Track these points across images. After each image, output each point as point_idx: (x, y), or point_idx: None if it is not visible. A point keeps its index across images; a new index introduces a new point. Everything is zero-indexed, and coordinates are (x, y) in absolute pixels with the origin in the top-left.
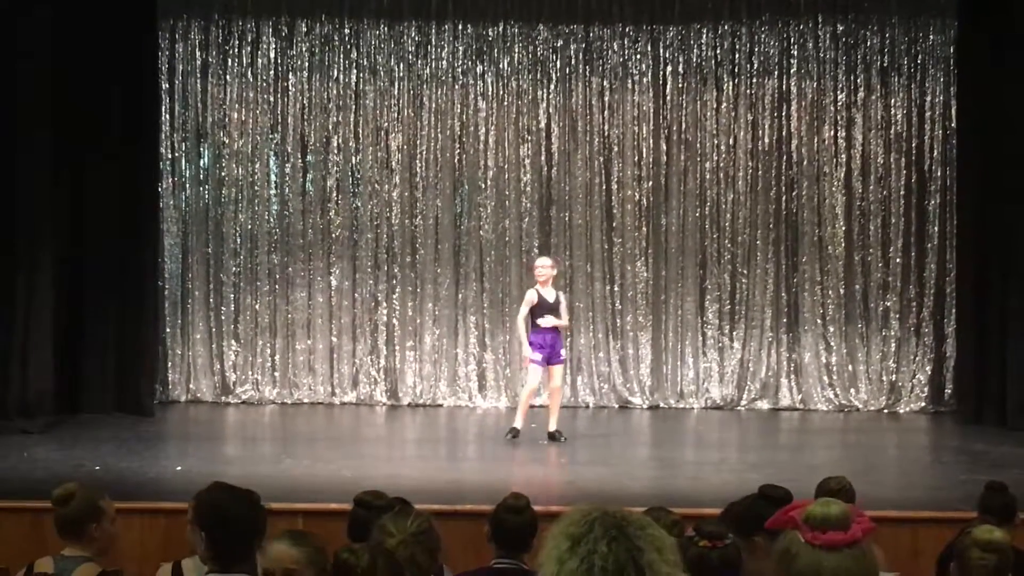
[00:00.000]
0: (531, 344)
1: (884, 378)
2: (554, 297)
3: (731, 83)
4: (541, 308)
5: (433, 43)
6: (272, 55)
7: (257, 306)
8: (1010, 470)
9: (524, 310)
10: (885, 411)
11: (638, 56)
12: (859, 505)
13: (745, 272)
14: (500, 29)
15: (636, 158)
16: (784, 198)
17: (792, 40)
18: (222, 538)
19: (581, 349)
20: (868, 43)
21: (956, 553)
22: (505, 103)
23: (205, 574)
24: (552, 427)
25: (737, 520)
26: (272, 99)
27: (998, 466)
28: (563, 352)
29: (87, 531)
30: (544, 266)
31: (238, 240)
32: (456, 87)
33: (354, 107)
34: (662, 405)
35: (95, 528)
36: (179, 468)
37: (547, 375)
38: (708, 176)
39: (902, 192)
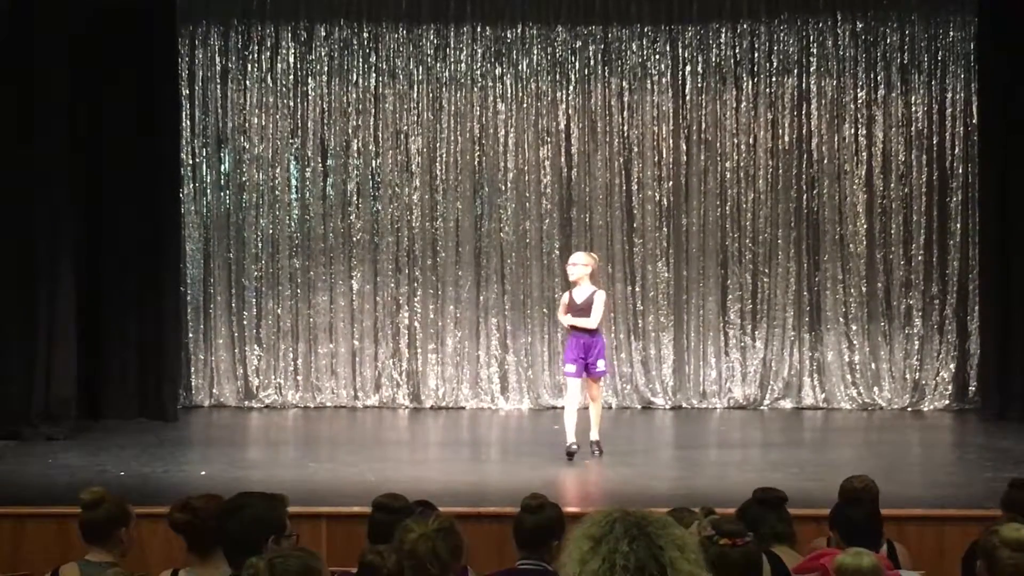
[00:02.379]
0: (565, 354)
1: (907, 376)
2: (585, 297)
3: (750, 82)
4: (571, 311)
5: (452, 46)
6: (291, 60)
7: (279, 310)
8: None
9: (559, 314)
10: (909, 409)
11: (657, 56)
12: (883, 503)
13: (767, 271)
14: (519, 31)
15: (656, 158)
16: (805, 197)
17: (811, 38)
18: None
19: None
20: (888, 40)
21: (983, 552)
22: (524, 105)
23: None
24: (594, 435)
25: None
26: (292, 104)
27: (1023, 463)
28: (601, 363)
29: (115, 535)
30: (575, 263)
31: (259, 245)
32: (475, 89)
33: (374, 111)
34: (684, 405)
35: (124, 532)
36: (203, 473)
37: (587, 385)
38: (728, 176)
39: (923, 189)
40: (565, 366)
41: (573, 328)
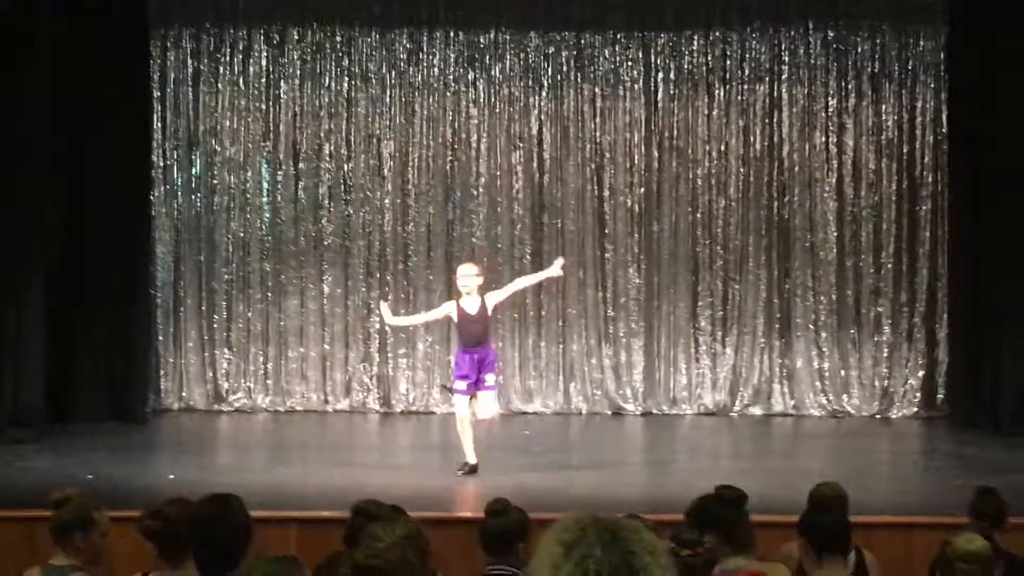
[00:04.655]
0: (456, 370)
1: (876, 383)
2: (478, 307)
3: (722, 89)
4: (464, 326)
5: (425, 50)
6: (264, 63)
7: (249, 314)
8: (1003, 475)
9: (428, 317)
10: (877, 416)
11: (629, 63)
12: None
13: (737, 278)
14: (492, 36)
15: (628, 164)
16: (776, 204)
17: (783, 46)
18: (213, 548)
19: (574, 356)
20: (859, 49)
21: (939, 564)
22: (497, 110)
23: None
24: (469, 457)
25: (691, 518)
26: (264, 107)
27: (990, 471)
28: (491, 378)
29: (73, 540)
30: (466, 275)
31: (230, 248)
32: (448, 94)
33: (346, 114)
34: (655, 411)
35: (81, 537)
36: (172, 476)
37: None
38: (700, 182)
39: (893, 198)
40: (456, 383)
41: (466, 345)
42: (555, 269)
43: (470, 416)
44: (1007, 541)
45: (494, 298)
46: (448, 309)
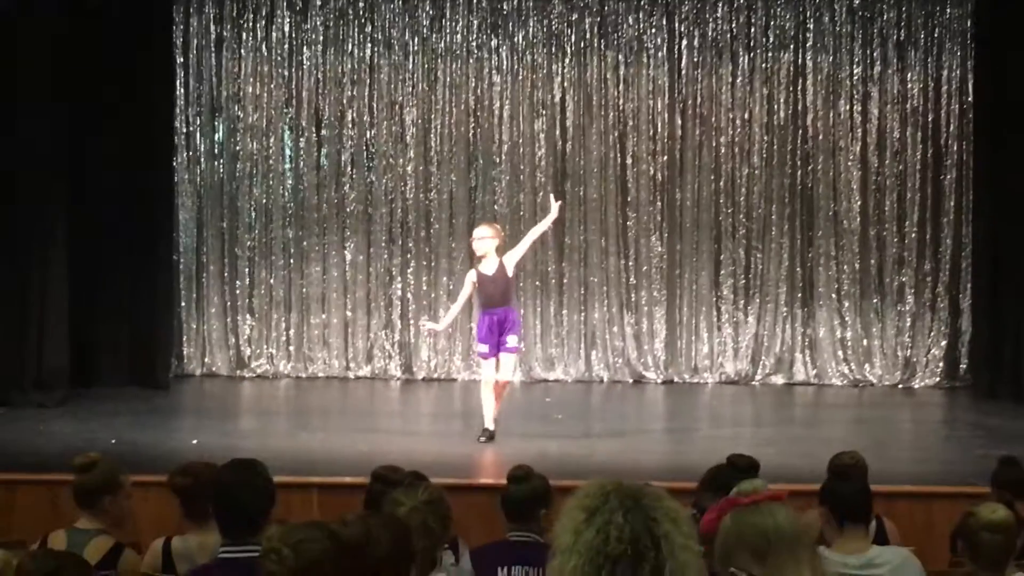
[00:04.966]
0: (478, 332)
1: (899, 353)
2: (495, 267)
3: (746, 57)
4: (483, 287)
5: (448, 17)
6: (286, 29)
7: (272, 280)
8: None
9: (461, 297)
10: (900, 386)
11: (653, 30)
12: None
13: (760, 247)
14: (515, 3)
15: (651, 132)
16: (799, 173)
17: (808, 14)
18: (236, 513)
19: (595, 323)
20: (884, 16)
21: (963, 534)
22: (520, 77)
23: (220, 547)
24: (488, 423)
25: (705, 486)
26: (286, 73)
27: (1013, 441)
28: (513, 340)
29: (102, 503)
30: (482, 237)
31: (253, 214)
32: (471, 61)
33: (368, 81)
34: (676, 380)
35: (110, 501)
36: (195, 442)
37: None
38: (723, 150)
39: (918, 167)
40: (479, 346)
41: (485, 306)
42: (554, 211)
43: (491, 379)
44: None
45: (511, 257)
46: (470, 278)
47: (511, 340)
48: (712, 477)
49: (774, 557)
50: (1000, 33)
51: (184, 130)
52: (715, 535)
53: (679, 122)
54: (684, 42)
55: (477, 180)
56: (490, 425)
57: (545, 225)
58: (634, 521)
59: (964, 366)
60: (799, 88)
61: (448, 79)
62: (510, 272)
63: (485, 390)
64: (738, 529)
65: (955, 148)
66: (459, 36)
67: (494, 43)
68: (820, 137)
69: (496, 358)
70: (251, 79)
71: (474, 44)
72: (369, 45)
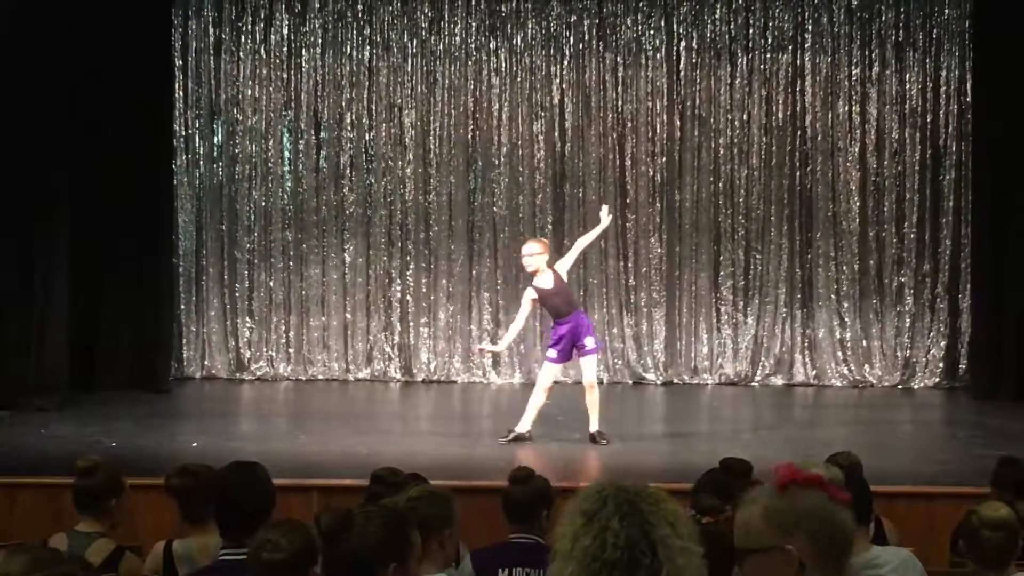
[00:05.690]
0: (551, 339)
1: (898, 353)
2: (552, 280)
3: (745, 58)
4: (547, 301)
5: (446, 19)
6: (285, 31)
7: (271, 283)
8: None
9: (522, 315)
10: (899, 387)
11: (651, 32)
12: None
13: (759, 248)
14: (513, 5)
15: (649, 134)
16: (798, 174)
17: (806, 15)
18: (236, 515)
19: (595, 325)
20: (883, 17)
21: (965, 533)
22: (518, 79)
23: (220, 549)
24: (593, 427)
25: (700, 489)
26: (285, 76)
27: (1013, 441)
28: (590, 341)
29: (106, 505)
30: (531, 254)
31: (252, 217)
32: (469, 63)
33: (367, 84)
34: (676, 381)
35: (115, 503)
36: (195, 444)
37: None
38: (722, 152)
39: (917, 167)
40: (548, 351)
41: (556, 318)
42: (605, 220)
43: (549, 384)
44: None
45: (563, 266)
46: (529, 295)
47: (588, 342)
48: (707, 482)
49: (833, 560)
50: (998, 33)
51: (183, 133)
52: (787, 490)
53: (678, 123)
54: (683, 44)
55: (476, 182)
56: (523, 427)
57: (596, 234)
58: (630, 526)
59: (963, 366)
60: (798, 89)
61: (447, 81)
62: (565, 279)
63: (538, 394)
64: (825, 516)
65: (954, 149)
66: (458, 38)
67: (493, 45)
68: (819, 138)
69: (563, 364)
70: (250, 82)
71: (473, 46)
72: (368, 47)
